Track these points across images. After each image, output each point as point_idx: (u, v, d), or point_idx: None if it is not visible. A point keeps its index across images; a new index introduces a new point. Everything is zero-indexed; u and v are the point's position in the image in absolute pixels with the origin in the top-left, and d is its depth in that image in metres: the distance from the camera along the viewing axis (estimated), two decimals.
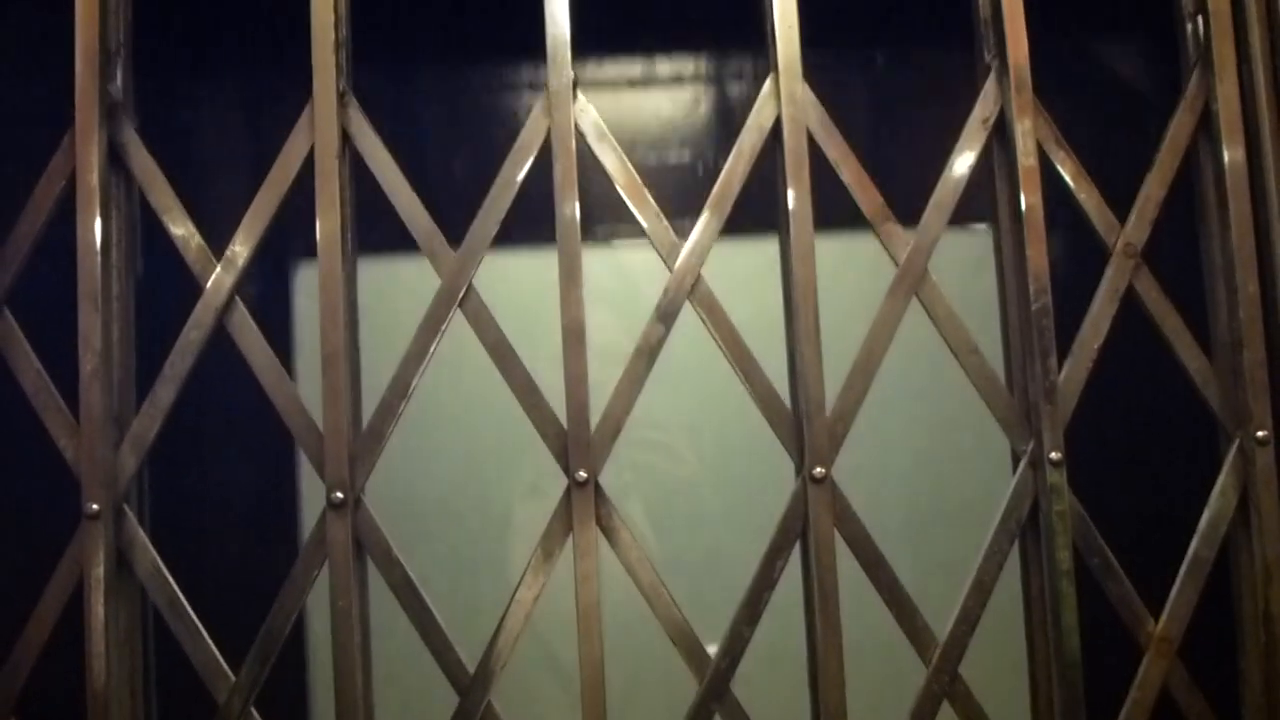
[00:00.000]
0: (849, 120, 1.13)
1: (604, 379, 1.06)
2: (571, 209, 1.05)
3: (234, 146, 1.45)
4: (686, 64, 1.58)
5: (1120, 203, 1.13)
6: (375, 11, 1.16)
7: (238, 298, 1.07)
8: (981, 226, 1.22)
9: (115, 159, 1.09)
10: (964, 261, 1.25)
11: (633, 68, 1.56)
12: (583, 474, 1.03)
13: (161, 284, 1.13)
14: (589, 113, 1.08)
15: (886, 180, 1.10)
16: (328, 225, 1.05)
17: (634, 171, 1.08)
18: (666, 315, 1.06)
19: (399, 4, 1.39)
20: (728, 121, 1.58)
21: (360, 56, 1.11)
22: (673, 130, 1.56)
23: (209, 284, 1.07)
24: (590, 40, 1.09)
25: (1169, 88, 1.18)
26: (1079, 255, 1.15)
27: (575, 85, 1.07)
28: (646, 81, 1.57)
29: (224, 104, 1.47)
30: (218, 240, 1.08)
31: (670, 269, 1.07)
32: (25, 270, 1.09)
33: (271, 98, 1.36)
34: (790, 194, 1.06)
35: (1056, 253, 1.10)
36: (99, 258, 1.05)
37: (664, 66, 1.57)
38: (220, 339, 1.07)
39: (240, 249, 1.07)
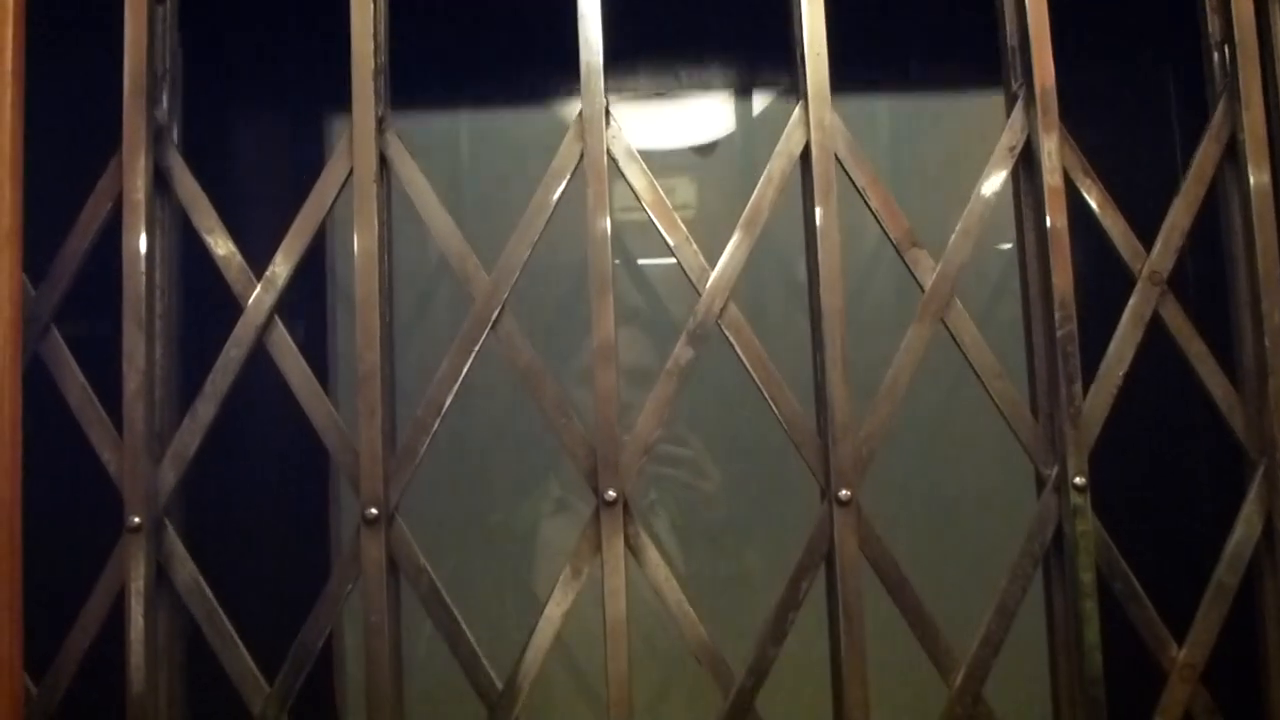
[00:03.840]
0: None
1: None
2: (603, 234, 1.07)
3: (276, 170, 1.48)
4: (715, 78, 1.60)
5: (1147, 230, 1.14)
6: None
7: (277, 317, 1.10)
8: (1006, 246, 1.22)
9: (160, 181, 1.12)
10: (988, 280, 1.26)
11: (663, 78, 1.58)
12: (612, 493, 1.04)
13: (204, 302, 1.16)
14: (621, 139, 1.10)
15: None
16: (365, 247, 1.07)
17: (663, 195, 1.10)
18: (695, 338, 1.08)
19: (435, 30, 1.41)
20: (758, 134, 1.60)
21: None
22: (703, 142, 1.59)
23: (249, 303, 1.10)
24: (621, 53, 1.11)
25: (1196, 116, 1.19)
26: (1104, 280, 1.16)
27: (608, 111, 1.09)
28: (676, 93, 1.59)
29: (267, 127, 1.50)
30: (259, 260, 1.10)
31: (699, 293, 1.09)
32: (72, 289, 1.11)
33: (314, 121, 1.39)
34: (818, 219, 1.08)
35: (1081, 278, 1.11)
36: (143, 278, 1.08)
37: (693, 80, 1.59)
38: (260, 357, 1.10)
39: (280, 269, 1.10)
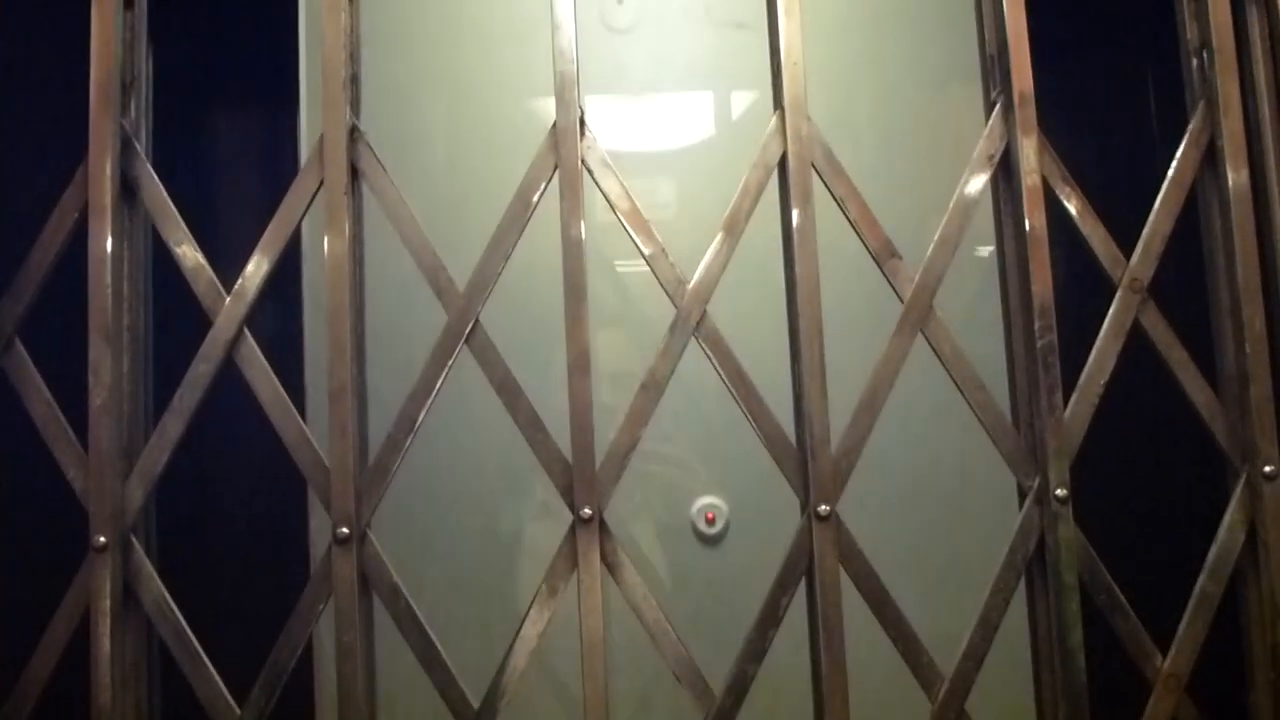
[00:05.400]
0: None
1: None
2: (577, 245, 1.05)
3: (248, 177, 1.46)
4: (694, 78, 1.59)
5: (1126, 237, 1.14)
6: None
7: (247, 331, 1.08)
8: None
9: (128, 191, 1.10)
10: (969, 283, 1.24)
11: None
12: (587, 511, 1.03)
13: (174, 313, 1.14)
14: (596, 149, 1.09)
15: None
16: (336, 261, 1.05)
17: (638, 205, 1.08)
18: (671, 352, 1.06)
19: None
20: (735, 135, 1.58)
21: None
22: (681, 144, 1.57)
23: (218, 317, 1.07)
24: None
25: (1174, 120, 1.18)
26: (1085, 287, 1.15)
27: (582, 121, 1.08)
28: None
29: (239, 134, 1.48)
30: (230, 271, 1.08)
31: (676, 305, 1.07)
32: (37, 301, 1.09)
33: (285, 132, 1.36)
34: (795, 231, 1.06)
35: (1061, 286, 1.10)
36: (110, 289, 1.06)
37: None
38: (230, 371, 1.08)
39: (249, 282, 1.08)
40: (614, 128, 1.59)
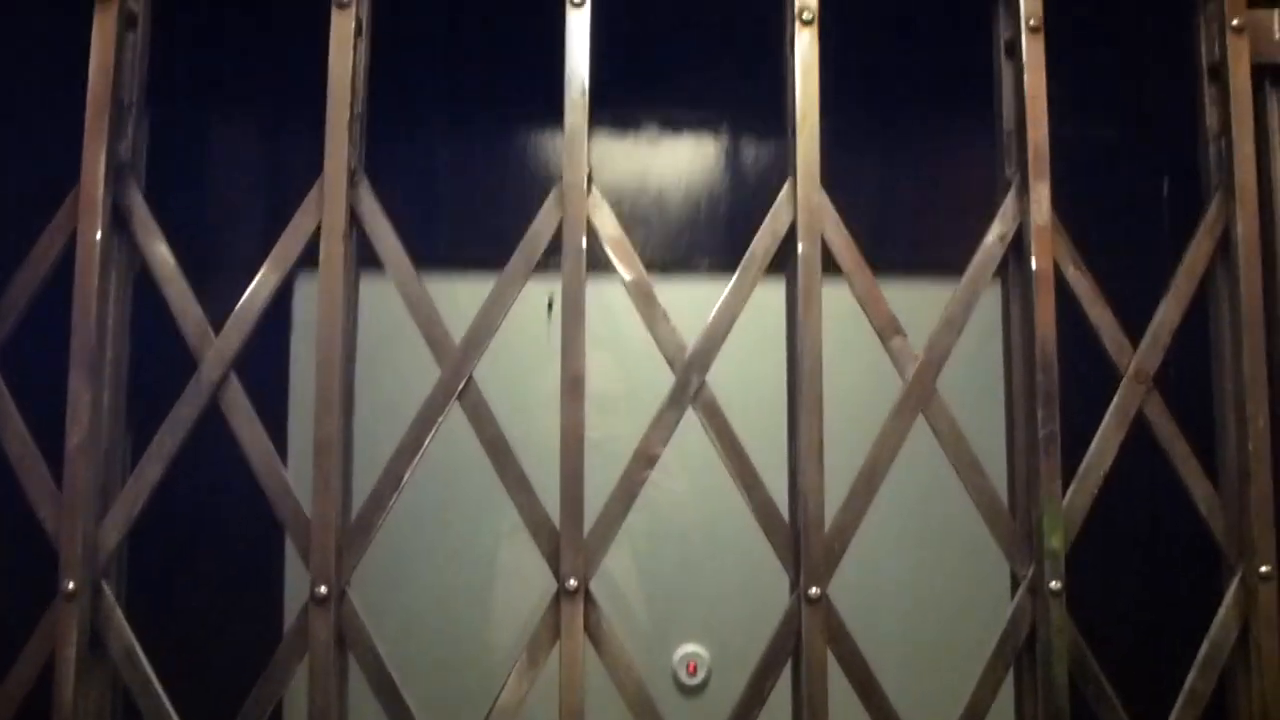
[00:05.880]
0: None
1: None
2: (579, 306, 1.03)
3: (250, 188, 1.42)
4: (702, 123, 1.56)
5: (1134, 321, 1.12)
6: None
7: (234, 375, 1.05)
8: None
9: (119, 220, 1.07)
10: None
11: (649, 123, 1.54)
12: (573, 582, 1.00)
13: (157, 350, 1.10)
14: (601, 207, 1.06)
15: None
16: (328, 308, 1.03)
17: (642, 269, 1.06)
18: (666, 422, 1.04)
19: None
20: (741, 181, 1.56)
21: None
22: (688, 187, 1.54)
23: (204, 360, 1.04)
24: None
25: (1190, 211, 1.17)
26: (1087, 370, 1.13)
27: (590, 179, 1.05)
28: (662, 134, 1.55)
29: (247, 152, 1.43)
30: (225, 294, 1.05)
31: (674, 372, 1.05)
32: (18, 329, 1.06)
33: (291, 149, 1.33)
34: (800, 305, 1.04)
35: (1064, 369, 1.08)
36: (94, 323, 1.03)
37: (680, 121, 1.55)
38: (213, 414, 1.05)
39: (238, 326, 1.05)
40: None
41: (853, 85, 1.17)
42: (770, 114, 1.12)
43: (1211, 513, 1.12)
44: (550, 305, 1.30)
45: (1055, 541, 1.05)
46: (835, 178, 1.07)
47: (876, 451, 1.05)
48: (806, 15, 1.07)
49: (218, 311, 1.05)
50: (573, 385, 1.02)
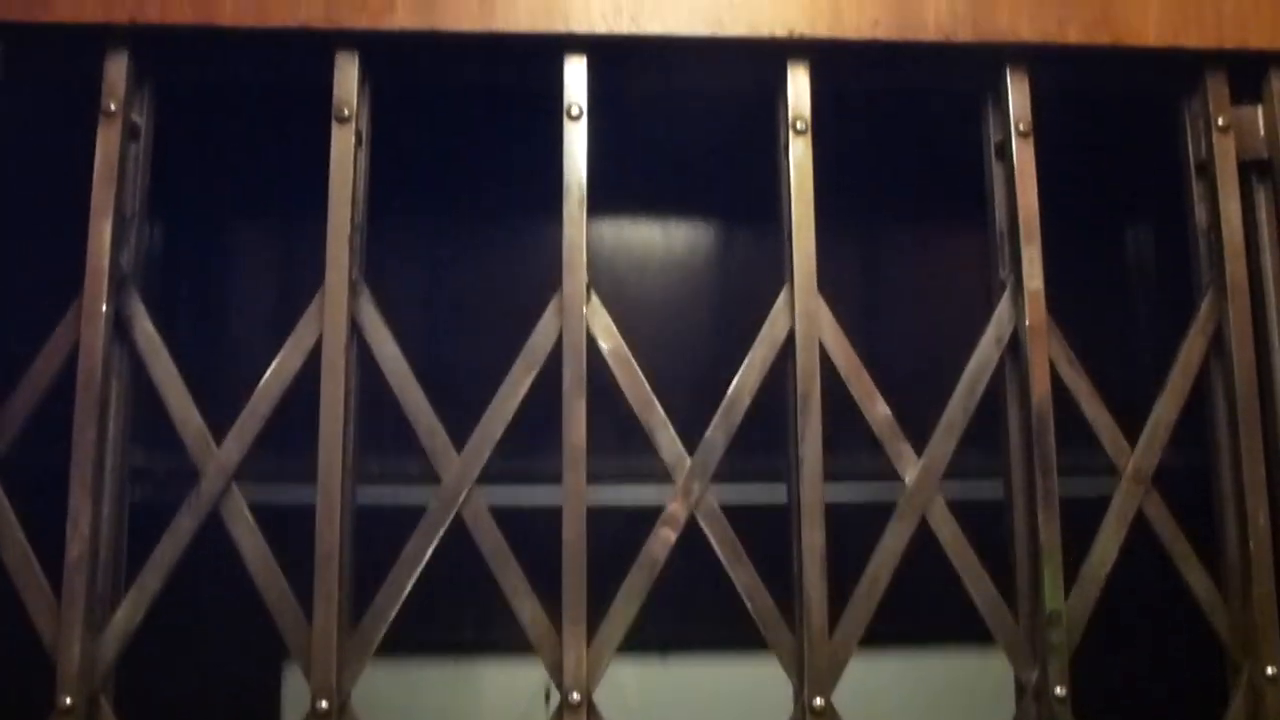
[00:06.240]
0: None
1: None
2: (579, 416, 1.03)
3: (255, 294, 1.42)
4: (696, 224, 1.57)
5: (1131, 417, 1.12)
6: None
7: (235, 486, 1.05)
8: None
9: (120, 331, 1.07)
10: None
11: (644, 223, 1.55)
12: (576, 695, 0.99)
13: (157, 453, 1.11)
14: (600, 315, 1.07)
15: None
16: (330, 419, 1.03)
17: (644, 381, 1.06)
18: (672, 522, 1.04)
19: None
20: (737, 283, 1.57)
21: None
22: (683, 288, 1.55)
23: (206, 471, 1.04)
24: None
25: (1182, 307, 1.18)
26: (1085, 466, 1.14)
27: (590, 288, 1.06)
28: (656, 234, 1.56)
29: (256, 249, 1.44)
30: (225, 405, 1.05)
31: (674, 480, 1.05)
32: (20, 437, 1.06)
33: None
34: (800, 409, 1.05)
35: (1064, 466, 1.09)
36: (94, 436, 1.03)
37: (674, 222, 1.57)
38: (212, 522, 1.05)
39: (240, 439, 1.05)
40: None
41: (844, 188, 1.18)
42: (763, 215, 1.13)
43: (1214, 611, 1.11)
44: (548, 695, 1.30)
45: (1058, 645, 1.05)
46: (826, 279, 1.08)
47: (878, 559, 1.05)
48: (800, 125, 1.08)
49: (220, 420, 1.06)
50: (574, 457, 1.02)
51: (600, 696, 1.00)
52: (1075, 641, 1.07)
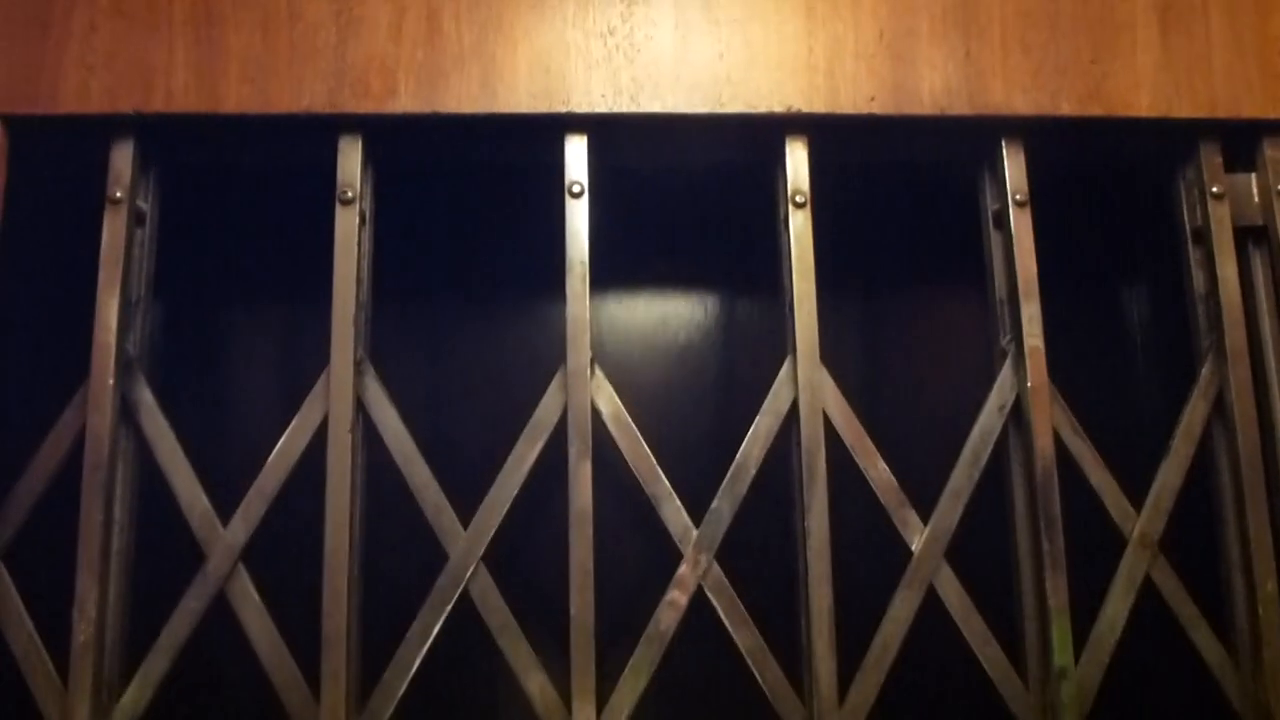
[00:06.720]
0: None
1: None
2: (586, 484, 1.03)
3: (260, 377, 1.42)
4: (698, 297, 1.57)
5: (1136, 484, 1.13)
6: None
7: (242, 566, 1.05)
8: None
9: (126, 415, 1.08)
10: None
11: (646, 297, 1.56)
12: None
13: (165, 539, 1.10)
14: (605, 389, 1.08)
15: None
16: (336, 499, 1.03)
17: (648, 451, 1.07)
18: (677, 603, 1.04)
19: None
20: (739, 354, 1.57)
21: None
22: (685, 362, 1.55)
23: (213, 554, 1.05)
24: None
25: (1180, 369, 1.18)
26: (1092, 535, 1.13)
27: (593, 363, 1.07)
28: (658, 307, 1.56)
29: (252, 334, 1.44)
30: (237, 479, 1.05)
31: (682, 552, 1.05)
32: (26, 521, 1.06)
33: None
34: (805, 479, 1.05)
35: (1070, 533, 1.09)
36: (101, 520, 1.03)
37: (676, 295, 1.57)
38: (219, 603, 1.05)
39: (246, 520, 1.05)
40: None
41: (844, 258, 1.20)
42: (765, 287, 1.14)
43: (1224, 675, 1.11)
44: None
45: (1069, 713, 1.04)
46: (828, 347, 1.09)
47: (887, 628, 1.05)
48: (799, 199, 1.10)
49: (226, 502, 1.06)
50: (581, 519, 1.02)
51: None
52: (1086, 709, 1.06)
